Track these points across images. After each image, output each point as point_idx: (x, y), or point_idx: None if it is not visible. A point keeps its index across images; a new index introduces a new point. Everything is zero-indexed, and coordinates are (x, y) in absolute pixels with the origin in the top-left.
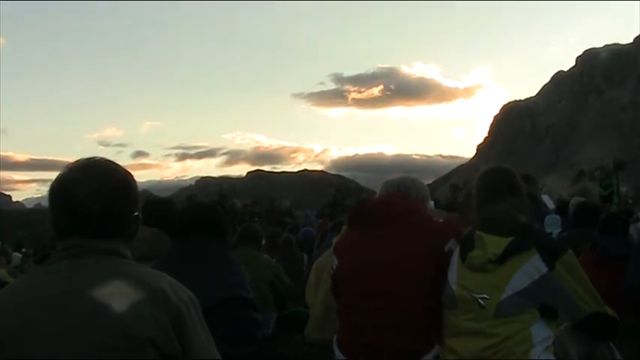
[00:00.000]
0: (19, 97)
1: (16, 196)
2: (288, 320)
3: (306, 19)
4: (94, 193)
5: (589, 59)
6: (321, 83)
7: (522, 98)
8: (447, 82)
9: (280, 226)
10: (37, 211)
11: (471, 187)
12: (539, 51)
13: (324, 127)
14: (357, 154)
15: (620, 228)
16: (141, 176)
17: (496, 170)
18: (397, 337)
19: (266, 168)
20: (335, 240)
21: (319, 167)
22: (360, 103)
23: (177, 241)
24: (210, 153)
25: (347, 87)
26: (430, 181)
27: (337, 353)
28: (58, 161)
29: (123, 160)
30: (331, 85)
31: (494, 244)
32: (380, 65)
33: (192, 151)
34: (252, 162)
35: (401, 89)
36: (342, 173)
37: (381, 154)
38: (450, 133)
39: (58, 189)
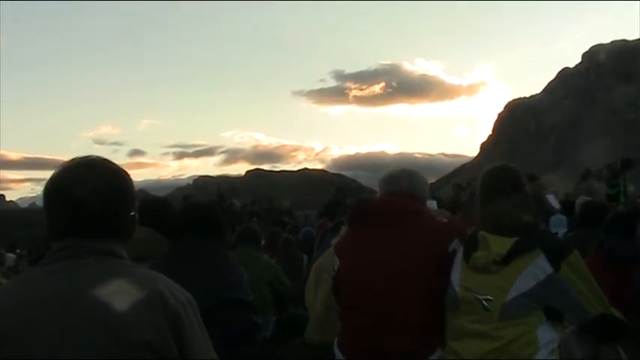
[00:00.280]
0: (13, 94)
1: (10, 196)
2: (287, 323)
3: (306, 15)
4: (94, 192)
5: (595, 56)
6: (322, 80)
7: (527, 96)
8: (450, 79)
9: (280, 226)
10: (31, 211)
11: (474, 187)
12: (545, 47)
13: (325, 125)
14: (358, 153)
15: (626, 228)
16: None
17: (500, 169)
18: (397, 339)
19: (265, 167)
20: (334, 241)
21: (320, 166)
22: (361, 100)
23: (174, 241)
24: (208, 151)
25: (348, 84)
26: (433, 181)
27: (338, 355)
28: (52, 160)
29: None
30: (332, 83)
31: (499, 244)
32: (382, 62)
33: (190, 150)
34: (252, 161)
35: (403, 86)
36: (343, 172)
37: (382, 152)
38: (453, 131)
39: (56, 188)
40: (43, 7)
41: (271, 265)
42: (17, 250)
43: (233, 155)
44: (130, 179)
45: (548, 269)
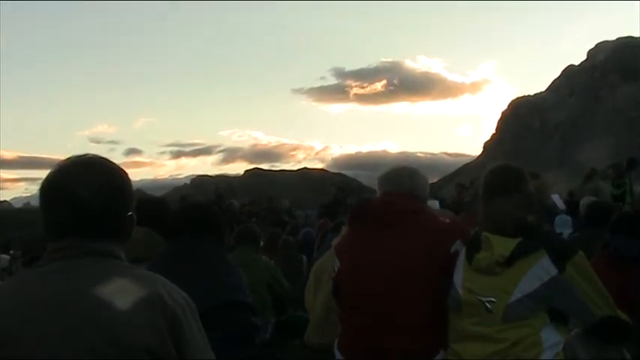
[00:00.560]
0: (7, 92)
1: (3, 195)
2: (287, 326)
3: (306, 12)
4: (92, 191)
5: (601, 53)
6: (322, 78)
7: (531, 94)
8: (452, 77)
9: (280, 226)
10: (25, 211)
11: (477, 187)
12: (549, 44)
13: (325, 124)
14: (359, 152)
15: (632, 228)
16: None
17: (503, 168)
18: (397, 339)
19: (264, 166)
20: (335, 241)
21: (320, 165)
22: (362, 98)
23: (171, 242)
24: (206, 150)
25: (349, 82)
26: (435, 180)
27: (338, 356)
28: (47, 159)
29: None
30: (332, 80)
31: (502, 245)
32: (383, 59)
33: (188, 149)
34: (250, 160)
35: (405, 84)
36: (343, 172)
37: (384, 151)
38: (456, 129)
39: (53, 186)
40: (39, 5)
41: (270, 267)
42: (11, 251)
43: (231, 154)
44: (128, 178)
45: (553, 270)
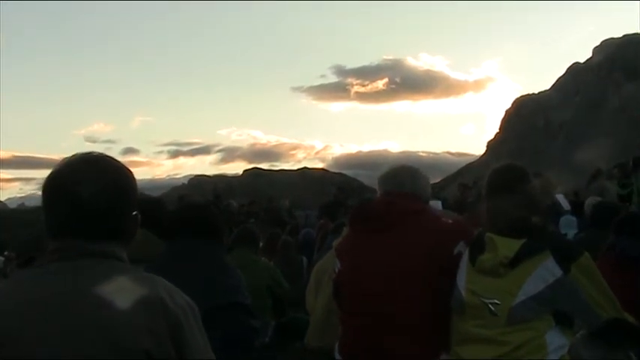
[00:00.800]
0: (2, 91)
1: None
2: (287, 328)
3: (306, 9)
4: (97, 190)
5: (607, 50)
6: (322, 76)
7: (535, 92)
8: (455, 75)
9: (280, 226)
10: (20, 211)
11: (481, 187)
12: (554, 41)
13: (326, 123)
14: (360, 151)
15: (636, 228)
16: None
17: (506, 168)
18: (397, 339)
19: (264, 166)
20: (335, 242)
21: (320, 165)
22: (363, 97)
23: (169, 243)
24: (204, 150)
25: (350, 80)
26: (438, 180)
27: (338, 359)
28: (42, 159)
29: None
30: (333, 78)
31: (506, 246)
32: (384, 57)
33: (186, 148)
34: (249, 159)
35: (407, 82)
36: (344, 171)
37: (385, 151)
38: (459, 128)
39: (56, 185)
40: (36, 4)
41: (270, 268)
42: (5, 252)
43: (230, 154)
44: (134, 177)
45: (558, 272)
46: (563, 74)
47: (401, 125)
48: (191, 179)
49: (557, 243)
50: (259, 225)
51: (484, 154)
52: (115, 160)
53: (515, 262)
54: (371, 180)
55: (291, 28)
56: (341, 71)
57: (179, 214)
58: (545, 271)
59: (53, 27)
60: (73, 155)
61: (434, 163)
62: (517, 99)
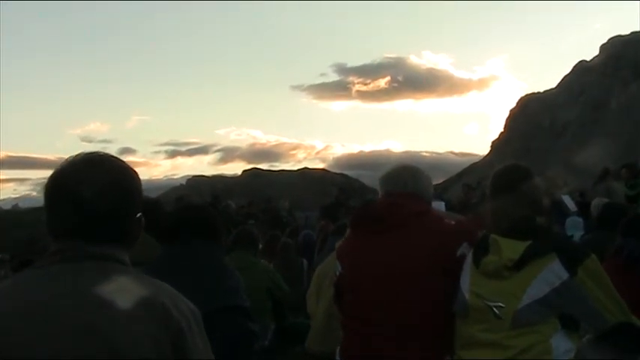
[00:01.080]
0: None
1: None
2: (287, 332)
3: (305, 5)
4: (99, 191)
5: (614, 48)
6: (323, 74)
7: (541, 90)
8: (459, 74)
9: (279, 227)
10: (14, 213)
11: (485, 187)
12: (560, 39)
13: (326, 122)
14: (361, 151)
15: None
16: None
17: (510, 168)
18: (399, 346)
19: (263, 166)
20: (337, 244)
21: (321, 165)
22: (365, 95)
23: (167, 245)
24: (202, 150)
25: (351, 78)
26: (441, 181)
27: None
28: (37, 159)
29: None
30: (334, 77)
31: (511, 248)
32: (387, 55)
33: (183, 148)
34: (248, 159)
35: (409, 81)
36: (345, 172)
37: (387, 151)
38: (463, 128)
39: (59, 185)
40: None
41: (269, 270)
42: None
43: (229, 154)
44: (139, 178)
45: (564, 275)
46: (570, 72)
47: (403, 124)
48: (189, 180)
49: (563, 245)
50: (259, 226)
51: (488, 154)
52: (120, 160)
53: (520, 264)
54: (373, 180)
55: (291, 26)
56: (342, 69)
57: (177, 215)
58: (550, 274)
59: (47, 24)
60: (76, 155)
61: (437, 163)
62: (522, 98)
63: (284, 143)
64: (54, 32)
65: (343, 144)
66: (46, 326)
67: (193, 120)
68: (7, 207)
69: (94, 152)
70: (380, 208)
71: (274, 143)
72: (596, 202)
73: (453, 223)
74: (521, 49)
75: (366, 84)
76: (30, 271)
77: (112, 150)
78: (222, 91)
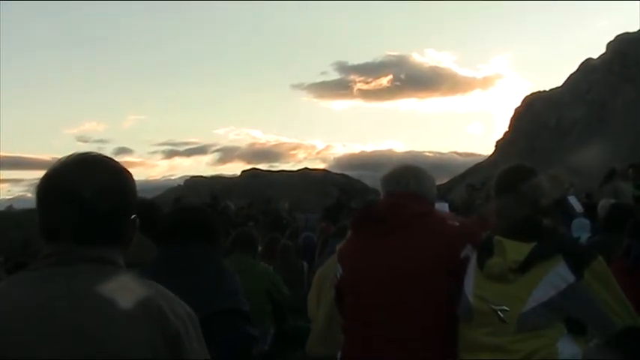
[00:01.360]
0: None
1: None
2: (287, 335)
3: (305, 3)
4: (100, 192)
5: (621, 45)
6: (324, 73)
7: (546, 89)
8: (462, 72)
9: (278, 228)
10: (8, 214)
11: (489, 188)
12: (566, 36)
13: (327, 122)
14: (363, 151)
15: None
16: None
17: (513, 169)
18: (401, 350)
19: (263, 166)
20: (339, 246)
21: (321, 165)
22: (366, 94)
23: (163, 246)
24: (200, 150)
25: (352, 77)
26: (445, 181)
27: None
28: (32, 159)
29: None
30: (335, 75)
31: (515, 250)
32: (389, 53)
33: (181, 148)
34: (248, 160)
35: (412, 79)
36: (346, 172)
37: (390, 151)
38: (467, 127)
39: (53, 185)
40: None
41: (269, 273)
42: None
43: (228, 154)
44: (133, 179)
45: (570, 277)
46: (576, 70)
47: (406, 124)
48: (187, 180)
49: (569, 247)
50: (258, 228)
51: (493, 154)
52: (114, 160)
53: (525, 266)
54: (374, 181)
55: (291, 23)
56: (343, 68)
57: (174, 216)
58: (556, 277)
59: (42, 23)
60: (69, 156)
61: (440, 163)
62: (527, 96)
63: (284, 143)
64: (48, 31)
65: (344, 144)
66: (46, 326)
67: (191, 119)
68: (2, 208)
69: (87, 152)
70: (382, 210)
71: (274, 143)
72: (603, 203)
73: (456, 224)
74: (527, 46)
75: (367, 82)
76: (24, 273)
77: (108, 150)
78: (220, 90)
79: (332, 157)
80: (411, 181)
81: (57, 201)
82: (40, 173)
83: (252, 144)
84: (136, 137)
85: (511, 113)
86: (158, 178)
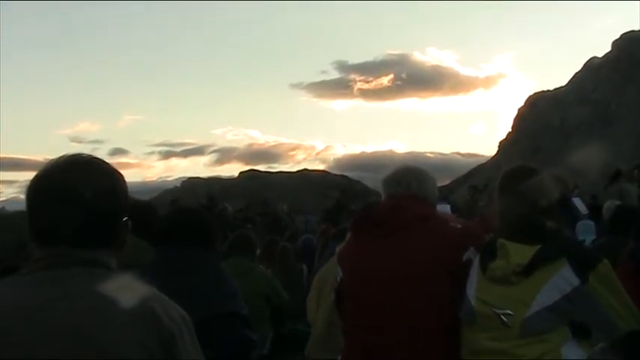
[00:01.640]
0: None
1: None
2: (286, 340)
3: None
4: (93, 194)
5: (627, 44)
6: (323, 72)
7: (550, 88)
8: (465, 71)
9: (277, 231)
10: (0, 216)
11: (492, 189)
12: (570, 35)
13: (327, 122)
14: (363, 152)
15: None
16: None
17: (515, 169)
18: (399, 352)
19: (261, 167)
20: (338, 249)
21: (321, 167)
22: (367, 94)
23: (160, 249)
24: (198, 151)
25: (352, 76)
26: (447, 182)
27: None
28: (24, 160)
29: None
30: (334, 74)
31: (519, 253)
32: (389, 52)
33: (178, 149)
34: (246, 161)
35: (413, 79)
36: (346, 173)
37: (391, 151)
38: (469, 127)
39: (47, 187)
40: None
41: (268, 277)
42: None
43: (225, 155)
44: (124, 181)
45: (575, 281)
46: (580, 69)
47: (407, 124)
48: (184, 182)
49: (573, 249)
50: (256, 231)
51: (495, 154)
52: (105, 162)
53: (528, 269)
54: (375, 182)
55: (290, 21)
56: (343, 67)
57: (171, 218)
58: (561, 280)
59: (35, 21)
60: (60, 157)
61: (442, 164)
62: (531, 96)
63: (283, 144)
64: (41, 29)
65: (344, 144)
66: (46, 326)
67: (188, 119)
68: None
69: (78, 154)
70: (382, 211)
71: (273, 144)
72: (608, 205)
73: (458, 226)
74: (530, 45)
75: (368, 82)
76: (18, 277)
77: (103, 151)
78: (218, 90)
79: (332, 158)
80: (413, 183)
81: (48, 203)
82: (33, 175)
83: (251, 144)
84: (132, 137)
85: (514, 113)
86: (154, 179)
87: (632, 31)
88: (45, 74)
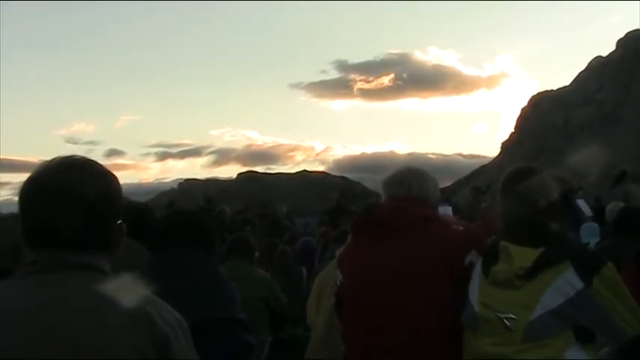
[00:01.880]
0: None
1: None
2: (285, 344)
3: None
4: (88, 197)
5: (632, 43)
6: (323, 72)
7: (554, 88)
8: (467, 71)
9: (277, 233)
10: None
11: (494, 190)
12: (574, 33)
13: (327, 122)
14: (364, 153)
15: None
16: None
17: (516, 170)
18: (399, 355)
19: (260, 169)
20: (339, 252)
21: (321, 168)
22: (367, 94)
23: (155, 252)
24: (195, 152)
25: (352, 76)
26: (448, 184)
27: None
28: (18, 161)
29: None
30: (334, 74)
31: (522, 256)
32: (390, 51)
33: (175, 150)
34: (244, 162)
35: (414, 78)
36: (346, 175)
37: (391, 152)
38: (471, 128)
39: (41, 189)
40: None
41: (266, 280)
42: None
43: (223, 156)
44: (118, 183)
45: (579, 284)
46: (585, 69)
47: (408, 125)
48: (181, 183)
49: (577, 252)
50: (255, 233)
51: (498, 155)
52: (99, 163)
53: (532, 273)
54: (375, 184)
55: (289, 20)
56: (343, 66)
57: (168, 221)
58: (565, 284)
59: (29, 21)
60: (53, 158)
61: (444, 165)
62: (534, 96)
63: (282, 144)
64: (36, 29)
65: (344, 145)
66: (46, 327)
67: (185, 120)
68: None
69: (72, 155)
70: (383, 213)
71: (271, 144)
72: (612, 207)
73: (460, 228)
74: (533, 44)
75: (368, 82)
76: (11, 280)
77: (98, 152)
78: (216, 90)
79: (331, 159)
80: (414, 184)
81: (42, 206)
82: (27, 176)
83: (249, 145)
84: (128, 138)
85: (517, 113)
86: (151, 180)
87: (637, 29)
88: (39, 74)
